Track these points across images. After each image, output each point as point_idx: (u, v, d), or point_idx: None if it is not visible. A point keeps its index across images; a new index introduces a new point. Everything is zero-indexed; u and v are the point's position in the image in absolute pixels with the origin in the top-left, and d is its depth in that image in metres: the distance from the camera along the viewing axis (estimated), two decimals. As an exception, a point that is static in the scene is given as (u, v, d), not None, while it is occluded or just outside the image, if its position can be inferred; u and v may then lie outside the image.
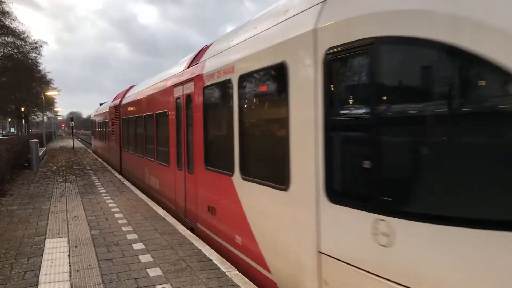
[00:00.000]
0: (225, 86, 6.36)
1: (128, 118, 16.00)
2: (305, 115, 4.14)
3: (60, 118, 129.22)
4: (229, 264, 5.92)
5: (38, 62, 49.46)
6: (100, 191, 12.72)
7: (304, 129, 4.18)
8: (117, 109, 18.70)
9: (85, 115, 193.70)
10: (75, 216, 9.16)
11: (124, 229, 8.00)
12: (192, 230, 8.07)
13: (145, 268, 5.75)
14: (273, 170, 4.91)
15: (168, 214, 9.40)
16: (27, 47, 43.66)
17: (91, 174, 17.56)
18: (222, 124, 6.67)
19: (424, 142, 3.09)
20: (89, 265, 5.90)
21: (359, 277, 3.51)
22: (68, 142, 51.03)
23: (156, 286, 5.11)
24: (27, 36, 43.03)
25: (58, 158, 26.58)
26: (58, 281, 5.32)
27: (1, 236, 7.55)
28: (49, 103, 75.85)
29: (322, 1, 4.08)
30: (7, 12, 38.48)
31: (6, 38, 40.74)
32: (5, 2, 37.06)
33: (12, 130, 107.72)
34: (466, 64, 2.81)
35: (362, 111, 3.48)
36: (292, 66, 4.40)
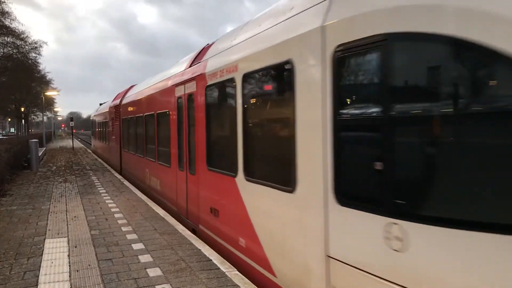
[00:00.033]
0: (228, 85, 6.26)
1: (128, 118, 15.88)
2: (313, 115, 4.03)
3: (59, 118, 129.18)
4: (229, 264, 5.92)
5: (38, 62, 49.50)
6: (100, 191, 12.71)
7: (311, 129, 4.06)
8: (117, 109, 18.58)
9: (84, 115, 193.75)
10: (74, 216, 9.16)
11: (123, 229, 8.00)
12: (194, 231, 7.97)
13: (145, 268, 5.75)
14: (279, 171, 4.80)
15: (167, 214, 9.40)
16: (27, 47, 43.67)
17: (91, 174, 17.55)
18: (225, 124, 6.54)
19: (440, 143, 2.96)
20: (89, 265, 5.90)
21: (370, 283, 3.39)
22: (67, 142, 51.01)
23: (156, 286, 5.11)
24: (27, 36, 43.08)
25: (57, 158, 26.57)
26: (58, 281, 5.32)
27: (1, 236, 7.55)
28: (49, 103, 75.84)
29: None
30: (7, 12, 38.51)
31: (6, 38, 40.74)
32: (4, 2, 37.08)
33: (12, 130, 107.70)
34: (488, 60, 2.68)
35: (374, 110, 3.35)
36: (299, 64, 4.29)
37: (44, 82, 62.89)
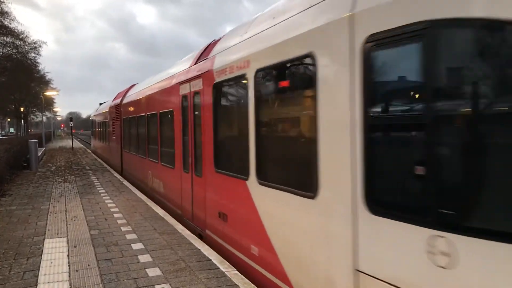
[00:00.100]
0: (239, 82, 5.86)
1: (129, 118, 15.44)
2: (339, 113, 3.63)
3: (59, 118, 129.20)
4: (228, 263, 5.91)
5: (37, 62, 49.51)
6: (99, 191, 12.71)
7: (336, 128, 3.68)
8: (118, 109, 18.27)
9: (84, 115, 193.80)
10: (74, 216, 9.16)
11: (123, 229, 8.00)
12: (200, 236, 7.62)
13: (144, 268, 5.75)
14: (297, 175, 4.44)
15: (167, 214, 9.39)
16: (26, 47, 43.67)
17: (90, 174, 17.54)
18: (235, 123, 6.17)
19: (496, 144, 2.62)
20: (88, 265, 5.90)
21: None
22: (67, 142, 50.99)
23: (155, 286, 5.11)
24: (26, 36, 43.07)
25: (57, 158, 26.56)
26: (57, 281, 5.32)
27: (0, 236, 7.54)
28: (48, 103, 75.81)
29: None
30: (6, 12, 38.49)
31: (5, 38, 40.72)
32: (4, 2, 37.06)
33: (11, 130, 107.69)
34: None
35: (414, 107, 3.00)
36: (322, 57, 3.88)
37: (43, 82, 62.86)
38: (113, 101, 21.18)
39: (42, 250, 6.66)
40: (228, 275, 5.41)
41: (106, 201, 10.99)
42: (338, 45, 3.64)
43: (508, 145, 2.52)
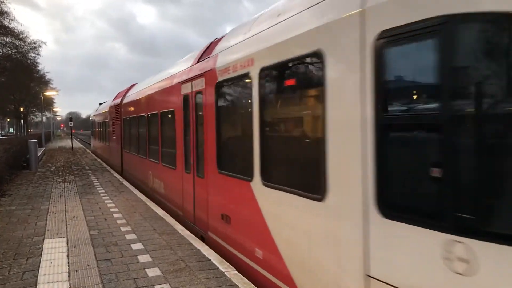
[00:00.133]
0: (242, 80, 5.70)
1: (130, 118, 15.30)
2: (348, 113, 3.52)
3: (59, 118, 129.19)
4: (227, 264, 5.91)
5: (37, 62, 49.54)
6: (99, 191, 12.71)
7: (346, 129, 3.55)
8: (118, 109, 18.12)
9: (84, 115, 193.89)
10: (74, 216, 9.16)
11: (123, 229, 7.99)
12: (202, 238, 7.48)
13: (144, 268, 5.75)
14: (303, 176, 4.33)
15: (166, 214, 9.38)
16: (25, 47, 43.69)
17: (90, 174, 17.54)
18: (239, 123, 6.06)
19: None
20: (88, 265, 5.90)
21: None
22: (67, 142, 50.97)
23: (155, 286, 5.11)
24: (26, 36, 43.10)
25: (57, 158, 26.55)
26: (57, 281, 5.32)
27: (0, 237, 7.54)
28: (48, 103, 75.80)
29: None
30: (6, 12, 38.50)
31: (4, 38, 40.74)
32: (3, 2, 37.06)
33: (11, 130, 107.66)
34: None
35: (430, 106, 2.86)
36: (330, 54, 3.76)
37: (43, 82, 62.89)
38: (113, 101, 21.03)
39: (42, 250, 6.66)
40: (228, 275, 5.41)
41: (106, 201, 10.99)
42: (348, 42, 3.52)
43: None
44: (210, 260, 6.06)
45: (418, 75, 3.07)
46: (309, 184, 4.14)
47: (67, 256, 6.36)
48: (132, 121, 14.85)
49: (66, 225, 8.39)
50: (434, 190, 2.82)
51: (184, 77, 8.61)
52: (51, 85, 66.77)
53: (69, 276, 5.49)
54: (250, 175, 5.43)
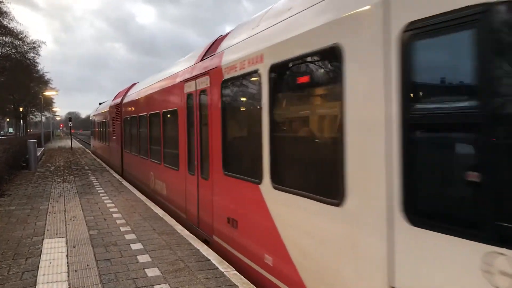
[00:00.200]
0: (251, 78, 5.44)
1: (130, 118, 15.02)
2: (371, 111, 3.29)
3: (58, 118, 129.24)
4: (227, 264, 5.91)
5: (36, 62, 49.63)
6: (99, 191, 12.70)
7: (368, 128, 3.32)
8: (118, 108, 17.92)
9: (83, 115, 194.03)
10: (73, 216, 9.15)
11: (122, 229, 7.99)
12: (206, 242, 7.22)
13: (143, 268, 5.75)
14: (319, 179, 4.10)
15: (166, 214, 9.38)
16: (25, 47, 43.75)
17: (90, 174, 17.53)
18: (247, 123, 5.81)
19: None
20: (87, 265, 5.90)
21: None
22: (66, 142, 50.97)
23: (154, 286, 5.11)
24: (25, 36, 43.15)
25: (56, 158, 26.54)
26: (56, 281, 5.32)
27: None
28: (48, 103, 75.78)
29: None
30: (5, 12, 38.53)
31: (4, 38, 40.77)
32: (3, 2, 37.08)
33: (10, 130, 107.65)
34: None
35: (466, 104, 2.60)
36: (350, 49, 3.52)
37: (42, 82, 62.88)
38: (113, 100, 20.84)
39: (41, 250, 6.66)
40: (227, 275, 5.41)
41: (105, 201, 10.98)
42: (370, 35, 3.28)
43: None
44: (209, 260, 6.06)
45: (451, 70, 2.83)
46: (325, 187, 3.92)
47: (67, 256, 6.36)
48: (133, 121, 14.63)
49: (65, 225, 8.38)
50: (471, 196, 2.59)
51: (188, 76, 8.38)
52: (50, 85, 66.80)
53: (68, 276, 5.49)
54: (259, 177, 5.19)
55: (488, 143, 2.46)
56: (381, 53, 3.17)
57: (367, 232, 3.37)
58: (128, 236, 7.45)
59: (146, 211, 9.69)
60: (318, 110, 4.30)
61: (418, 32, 2.86)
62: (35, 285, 5.22)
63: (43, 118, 62.24)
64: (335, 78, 3.73)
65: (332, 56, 3.77)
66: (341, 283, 3.70)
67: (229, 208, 6.29)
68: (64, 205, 10.58)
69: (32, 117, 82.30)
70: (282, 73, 4.77)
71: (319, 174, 4.13)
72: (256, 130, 5.24)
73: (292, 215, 4.48)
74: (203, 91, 7.39)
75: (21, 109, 66.73)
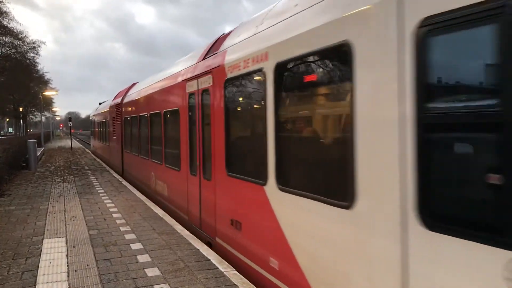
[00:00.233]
0: (255, 77, 5.35)
1: (131, 117, 14.84)
2: (383, 110, 3.17)
3: (58, 118, 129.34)
4: (227, 263, 5.91)
5: (36, 62, 49.71)
6: (98, 191, 12.70)
7: (380, 128, 3.21)
8: (118, 108, 17.82)
9: (83, 115, 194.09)
10: (73, 216, 9.15)
11: (122, 229, 7.99)
12: (209, 244, 7.10)
13: (143, 268, 5.75)
14: (327, 181, 3.97)
15: (166, 214, 9.38)
16: (25, 47, 43.81)
17: (89, 174, 17.53)
18: (251, 122, 5.71)
19: None
20: (87, 265, 5.90)
21: None
22: (66, 142, 50.96)
23: (154, 286, 5.11)
24: (25, 36, 43.21)
25: (56, 158, 26.54)
26: (56, 281, 5.32)
27: (-1, 236, 7.55)
28: (47, 103, 75.81)
29: None
30: (5, 12, 38.55)
31: (4, 38, 40.81)
32: (2, 2, 37.10)
33: (10, 130, 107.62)
34: None
35: (487, 103, 2.49)
36: (360, 46, 3.40)
37: (42, 82, 62.93)
38: (113, 100, 20.73)
39: (41, 250, 6.66)
40: (227, 275, 5.41)
41: (105, 201, 10.98)
42: (382, 32, 3.15)
43: None
44: (209, 260, 6.06)
45: (471, 68, 2.68)
46: (333, 189, 3.80)
47: (66, 256, 6.36)
48: (133, 120, 14.51)
49: (65, 225, 8.38)
50: (492, 199, 2.45)
51: (189, 75, 8.25)
52: (50, 85, 66.84)
53: (68, 276, 5.49)
54: (263, 179, 5.07)
55: (510, 144, 2.34)
56: (394, 50, 3.04)
57: (378, 236, 3.24)
58: (128, 236, 7.45)
59: (146, 211, 9.69)
60: (326, 109, 4.16)
61: (434, 27, 2.73)
62: (35, 285, 5.23)
63: (43, 118, 62.26)
64: (345, 76, 3.62)
65: (341, 53, 3.64)
66: None
67: (232, 209, 6.18)
68: (64, 205, 10.58)
69: (32, 117, 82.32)
70: (287, 71, 4.65)
71: (327, 175, 3.99)
72: (260, 130, 5.13)
73: (299, 218, 4.35)
74: (205, 90, 7.27)
75: (21, 109, 66.75)
